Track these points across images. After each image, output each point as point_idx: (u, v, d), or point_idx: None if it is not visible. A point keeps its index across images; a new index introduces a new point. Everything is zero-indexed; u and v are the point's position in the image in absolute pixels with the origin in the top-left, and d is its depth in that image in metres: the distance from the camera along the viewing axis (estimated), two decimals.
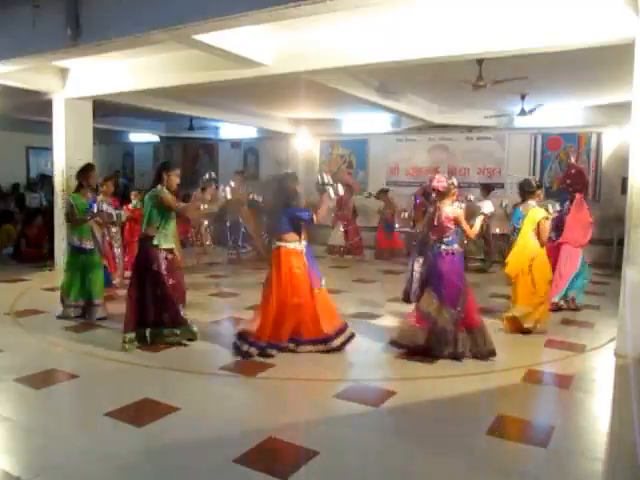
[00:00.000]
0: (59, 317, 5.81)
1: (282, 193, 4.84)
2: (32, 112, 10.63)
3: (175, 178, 4.95)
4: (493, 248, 9.60)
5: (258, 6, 4.41)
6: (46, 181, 12.98)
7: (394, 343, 4.84)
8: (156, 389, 3.96)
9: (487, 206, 5.09)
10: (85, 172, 5.91)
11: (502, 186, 11.07)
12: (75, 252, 5.86)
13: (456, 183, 4.83)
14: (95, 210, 5.78)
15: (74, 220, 5.82)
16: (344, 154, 13.56)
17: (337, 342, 4.79)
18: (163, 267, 4.83)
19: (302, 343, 4.80)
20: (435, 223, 4.70)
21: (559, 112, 10.19)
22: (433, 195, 4.87)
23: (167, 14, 4.91)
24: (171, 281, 4.87)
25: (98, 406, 3.65)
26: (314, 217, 4.71)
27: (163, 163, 5.25)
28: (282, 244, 4.73)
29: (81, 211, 5.78)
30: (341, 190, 4.88)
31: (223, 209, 9.60)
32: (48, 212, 9.95)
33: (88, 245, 5.82)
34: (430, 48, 5.67)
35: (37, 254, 9.53)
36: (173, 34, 5.17)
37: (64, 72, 8.26)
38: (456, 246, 4.72)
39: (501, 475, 2.96)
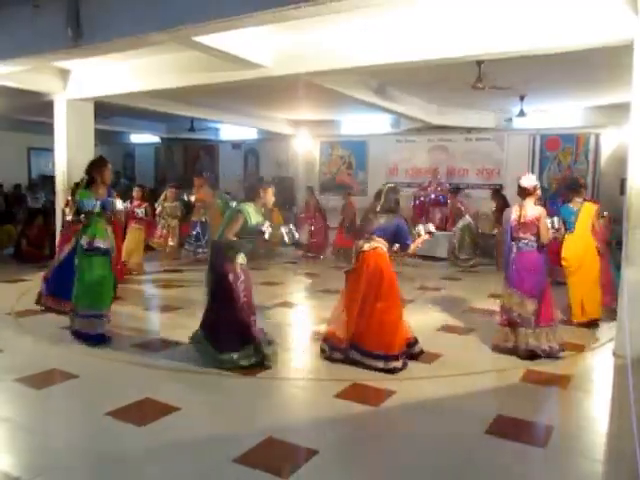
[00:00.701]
0: (70, 329, 5.20)
1: (396, 202, 4.71)
2: (33, 113, 10.64)
3: (270, 196, 4.66)
4: (479, 248, 10.02)
5: (258, 8, 4.43)
6: (47, 182, 13.01)
7: (496, 348, 4.93)
8: (156, 389, 3.98)
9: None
10: (98, 166, 5.20)
11: (501, 186, 11.09)
12: (87, 255, 5.04)
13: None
14: (117, 208, 5.16)
15: (76, 219, 5.31)
16: (344, 155, 13.58)
17: (397, 364, 4.42)
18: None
19: (366, 355, 4.46)
20: (522, 221, 4.83)
21: (558, 113, 10.22)
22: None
23: (168, 15, 4.92)
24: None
25: (98, 406, 3.66)
26: (410, 245, 4.68)
27: (259, 179, 5.07)
28: (380, 245, 4.57)
29: (84, 210, 5.05)
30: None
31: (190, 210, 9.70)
32: (49, 212, 9.98)
33: (102, 245, 5.05)
34: (430, 50, 5.68)
35: (38, 254, 9.55)
36: (173, 35, 5.18)
37: (65, 73, 8.28)
38: (535, 243, 4.83)
39: (500, 475, 2.97)
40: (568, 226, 5.74)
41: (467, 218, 10.14)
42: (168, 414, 3.56)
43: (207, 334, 4.48)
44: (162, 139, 15.67)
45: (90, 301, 5.01)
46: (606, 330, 5.57)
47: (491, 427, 3.45)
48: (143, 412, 3.61)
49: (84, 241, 5.03)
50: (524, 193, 4.90)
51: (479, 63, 6.52)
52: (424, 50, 5.71)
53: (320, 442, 3.22)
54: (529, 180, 4.91)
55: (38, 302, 6.23)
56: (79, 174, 8.59)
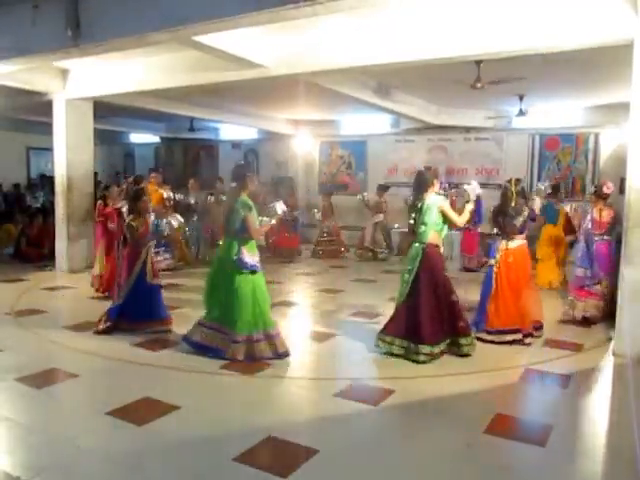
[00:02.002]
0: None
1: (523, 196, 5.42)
2: (33, 112, 10.63)
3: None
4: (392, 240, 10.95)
5: (258, 7, 4.43)
6: (46, 181, 13.01)
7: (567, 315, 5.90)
8: (156, 388, 3.98)
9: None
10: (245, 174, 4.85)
11: (500, 186, 11.08)
12: (243, 272, 4.59)
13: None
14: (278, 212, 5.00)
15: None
16: (343, 155, 13.58)
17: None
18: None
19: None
20: (602, 221, 5.91)
21: (557, 112, 10.22)
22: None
23: (167, 15, 4.92)
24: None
25: (99, 405, 3.67)
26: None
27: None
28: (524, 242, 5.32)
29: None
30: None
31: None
32: (48, 212, 9.98)
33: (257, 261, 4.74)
34: (429, 49, 5.69)
35: (37, 254, 9.56)
36: (173, 35, 5.18)
37: (64, 73, 8.28)
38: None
39: (499, 474, 2.98)
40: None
41: (380, 216, 10.66)
42: (168, 413, 3.57)
43: (406, 331, 4.64)
44: (162, 139, 15.66)
45: (258, 321, 4.62)
46: (606, 329, 5.58)
47: (490, 426, 3.45)
48: (143, 411, 3.61)
49: (248, 259, 4.58)
50: (604, 197, 5.93)
51: (478, 63, 6.52)
52: (423, 50, 5.72)
53: (320, 441, 3.23)
54: (610, 188, 5.93)
55: (104, 331, 5.27)
56: (78, 174, 8.73)
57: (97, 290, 6.91)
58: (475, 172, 11.79)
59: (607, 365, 4.80)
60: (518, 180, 5.43)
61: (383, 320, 5.13)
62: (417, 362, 4.51)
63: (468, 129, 11.52)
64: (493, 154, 11.63)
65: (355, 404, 3.81)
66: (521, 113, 9.18)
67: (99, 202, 7.33)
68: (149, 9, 5.06)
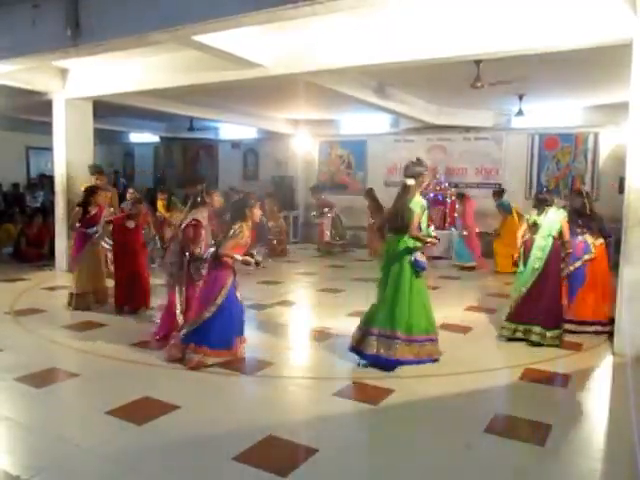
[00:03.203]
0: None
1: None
2: (32, 112, 10.63)
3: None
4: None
5: (257, 7, 4.43)
6: (46, 181, 13.01)
7: None
8: (156, 388, 3.99)
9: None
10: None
11: (499, 185, 11.09)
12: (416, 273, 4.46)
13: None
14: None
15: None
16: (343, 154, 13.58)
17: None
18: None
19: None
20: None
21: (556, 112, 10.23)
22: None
23: (167, 15, 4.92)
24: None
25: (98, 405, 3.67)
26: None
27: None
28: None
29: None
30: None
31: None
32: (48, 212, 9.98)
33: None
34: (429, 49, 5.69)
35: (37, 254, 9.56)
36: (173, 35, 5.18)
37: (64, 72, 8.28)
38: None
39: (499, 474, 2.98)
40: None
41: (334, 210, 11.58)
42: (168, 413, 3.57)
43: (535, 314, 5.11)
44: (161, 138, 15.66)
45: (427, 324, 4.53)
46: (605, 329, 5.57)
47: (490, 426, 3.46)
48: (143, 411, 3.61)
49: (422, 259, 4.42)
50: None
51: (478, 62, 6.53)
52: (423, 50, 5.72)
53: (320, 440, 3.23)
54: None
55: (180, 360, 4.48)
56: (78, 173, 8.72)
57: (76, 308, 6.15)
58: (475, 172, 11.81)
59: (607, 365, 4.81)
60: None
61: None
62: (542, 345, 5.04)
63: (467, 129, 11.53)
64: (492, 154, 11.63)
65: (355, 403, 3.81)
66: (520, 113, 9.19)
67: (78, 208, 6.41)
68: (149, 9, 5.06)
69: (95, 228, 6.33)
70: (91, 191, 6.45)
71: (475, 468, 3.02)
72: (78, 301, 6.21)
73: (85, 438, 3.28)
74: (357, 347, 4.52)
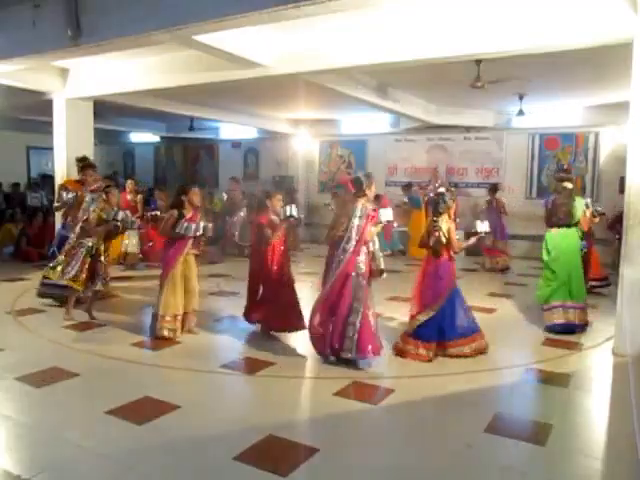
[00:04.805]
0: None
1: None
2: (33, 112, 10.65)
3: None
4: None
5: (258, 7, 4.43)
6: (47, 181, 13.01)
7: None
8: (156, 387, 3.99)
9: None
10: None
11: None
12: None
13: None
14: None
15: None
16: (343, 154, 13.60)
17: None
18: None
19: None
20: None
21: (557, 112, 10.23)
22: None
23: (167, 15, 4.93)
24: None
25: (99, 404, 3.67)
26: None
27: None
28: None
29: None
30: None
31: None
32: (49, 212, 9.97)
33: None
34: (429, 49, 5.69)
35: (38, 253, 9.55)
36: (173, 35, 5.18)
37: (65, 72, 8.28)
38: None
39: (499, 473, 2.98)
40: None
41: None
42: (168, 412, 3.57)
43: None
44: (162, 138, 15.68)
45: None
46: (605, 328, 5.58)
47: (490, 425, 3.46)
48: (143, 410, 3.61)
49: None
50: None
51: (478, 62, 6.53)
52: (423, 49, 5.72)
53: (320, 440, 3.23)
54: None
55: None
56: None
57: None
58: (475, 172, 11.81)
59: (606, 364, 4.81)
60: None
61: (385, 319, 5.11)
62: None
63: (468, 128, 11.53)
64: (493, 153, 11.64)
65: (355, 403, 3.81)
66: (521, 113, 9.18)
67: (172, 211, 5.31)
68: (149, 9, 5.06)
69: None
70: (182, 191, 5.29)
71: (475, 468, 3.02)
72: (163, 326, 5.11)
73: (85, 438, 3.28)
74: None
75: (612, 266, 7.65)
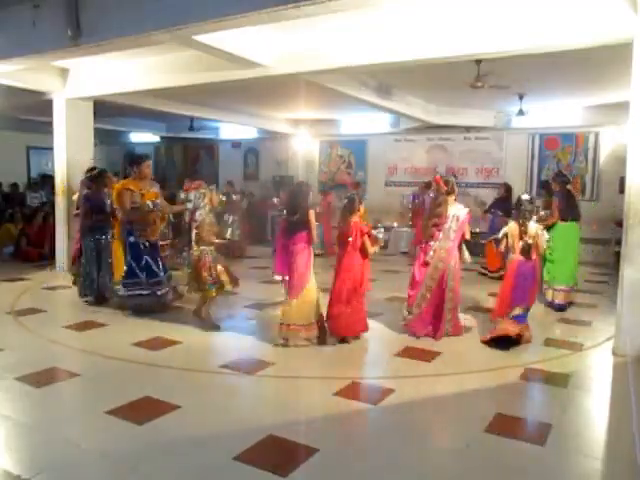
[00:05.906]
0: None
1: None
2: (33, 112, 10.64)
3: None
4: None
5: (258, 7, 4.43)
6: (47, 181, 13.01)
7: None
8: (157, 387, 3.99)
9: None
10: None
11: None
12: None
13: None
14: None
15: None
16: (343, 154, 13.60)
17: None
18: None
19: None
20: None
21: (557, 112, 10.23)
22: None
23: (167, 15, 4.92)
24: None
25: (99, 404, 3.67)
26: None
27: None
28: None
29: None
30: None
31: None
32: (49, 212, 9.98)
33: None
34: (429, 49, 5.69)
35: (38, 253, 9.56)
36: (173, 35, 5.18)
37: (65, 72, 8.28)
38: None
39: (499, 473, 2.98)
40: None
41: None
42: (168, 413, 3.57)
43: None
44: (162, 138, 15.68)
45: None
46: (605, 328, 5.58)
47: (490, 425, 3.46)
48: (143, 411, 3.61)
49: None
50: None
51: (478, 62, 6.53)
52: (423, 49, 5.72)
53: (320, 440, 3.23)
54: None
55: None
56: (79, 173, 8.71)
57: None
58: (475, 172, 11.81)
59: (606, 364, 4.81)
60: None
61: (386, 319, 5.11)
62: None
63: (468, 128, 11.53)
64: (493, 153, 11.64)
65: (355, 403, 3.82)
66: (521, 113, 9.19)
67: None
68: (149, 9, 5.06)
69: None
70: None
71: (475, 468, 3.02)
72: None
73: (85, 438, 3.28)
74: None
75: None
